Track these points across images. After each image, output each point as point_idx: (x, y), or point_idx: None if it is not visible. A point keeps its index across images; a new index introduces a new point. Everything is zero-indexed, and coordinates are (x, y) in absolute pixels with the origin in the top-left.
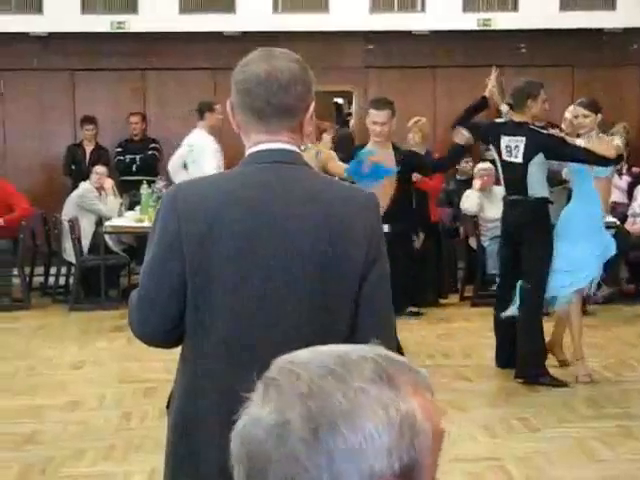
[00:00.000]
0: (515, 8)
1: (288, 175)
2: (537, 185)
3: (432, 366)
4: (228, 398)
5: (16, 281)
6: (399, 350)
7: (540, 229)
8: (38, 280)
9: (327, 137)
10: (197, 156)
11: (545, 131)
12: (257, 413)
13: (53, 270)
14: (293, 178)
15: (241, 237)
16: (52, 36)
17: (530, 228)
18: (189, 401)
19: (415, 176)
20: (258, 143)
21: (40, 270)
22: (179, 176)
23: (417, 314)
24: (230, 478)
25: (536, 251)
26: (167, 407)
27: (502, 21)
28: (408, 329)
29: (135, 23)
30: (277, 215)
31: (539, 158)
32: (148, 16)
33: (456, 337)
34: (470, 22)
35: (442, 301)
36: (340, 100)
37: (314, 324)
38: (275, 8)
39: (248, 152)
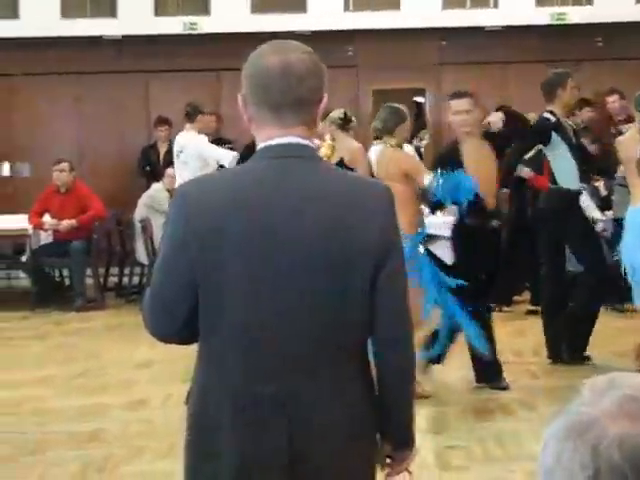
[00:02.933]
0: (590, 1)
1: (301, 170)
2: (563, 175)
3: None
4: (245, 392)
5: (90, 281)
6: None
7: (574, 219)
8: (113, 280)
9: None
10: (188, 157)
11: (548, 121)
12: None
13: (127, 270)
14: (306, 173)
15: (254, 232)
16: (126, 39)
17: (564, 219)
18: (206, 399)
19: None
20: (271, 137)
21: (115, 271)
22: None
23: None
24: (248, 475)
25: (577, 239)
26: (186, 402)
27: (577, 15)
28: None
29: (207, 24)
30: (289, 211)
31: (558, 147)
32: (220, 17)
33: (527, 335)
34: (544, 17)
35: (516, 298)
36: (421, 99)
37: (329, 313)
38: (346, 6)
39: (260, 146)
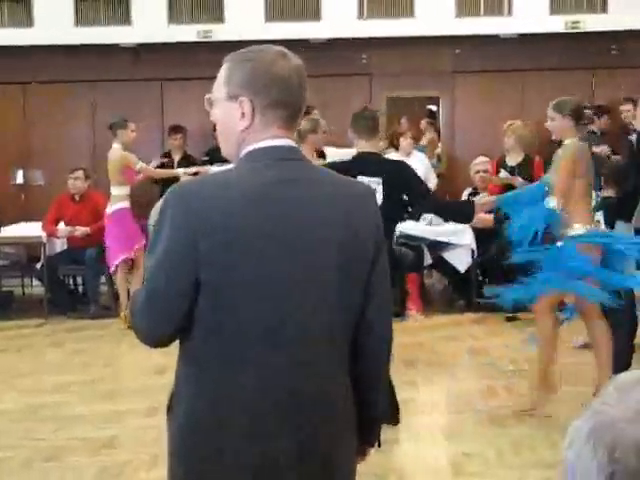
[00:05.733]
0: (604, 9)
1: (303, 172)
2: None
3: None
4: (256, 397)
5: (105, 289)
6: None
7: None
8: (128, 287)
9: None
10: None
11: None
12: None
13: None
14: (309, 174)
15: (266, 231)
16: (141, 47)
17: None
18: (212, 400)
19: None
20: (271, 138)
21: (130, 277)
22: None
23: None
24: (265, 476)
25: None
26: (168, 410)
27: (591, 23)
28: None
29: (221, 32)
30: (296, 209)
31: None
32: (234, 25)
33: None
34: (558, 24)
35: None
36: (434, 107)
37: (341, 309)
38: (360, 14)
39: (257, 146)
